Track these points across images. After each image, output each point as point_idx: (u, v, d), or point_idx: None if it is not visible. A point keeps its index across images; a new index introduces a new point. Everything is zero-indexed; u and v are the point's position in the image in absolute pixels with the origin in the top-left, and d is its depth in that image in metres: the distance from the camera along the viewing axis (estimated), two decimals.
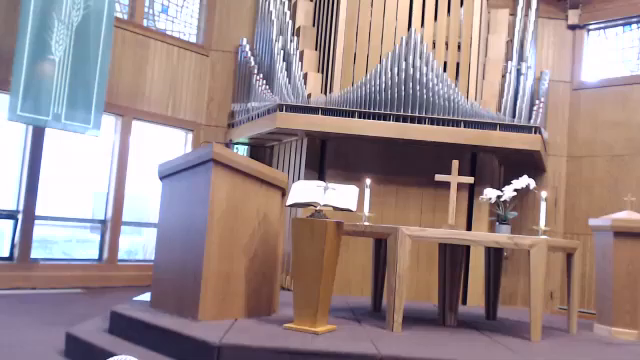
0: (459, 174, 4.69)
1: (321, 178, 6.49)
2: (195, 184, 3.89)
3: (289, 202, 3.89)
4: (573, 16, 7.79)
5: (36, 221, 6.73)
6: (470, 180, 4.91)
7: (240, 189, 3.90)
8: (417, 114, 6.13)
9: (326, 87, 6.94)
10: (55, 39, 6.23)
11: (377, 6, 6.87)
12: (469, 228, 6.27)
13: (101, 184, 7.48)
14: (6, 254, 6.58)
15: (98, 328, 3.95)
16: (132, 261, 7.72)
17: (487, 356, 3.40)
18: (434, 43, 6.74)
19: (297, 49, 7.05)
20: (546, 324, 4.06)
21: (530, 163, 6.64)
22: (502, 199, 4.47)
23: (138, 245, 8.25)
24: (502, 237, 4.10)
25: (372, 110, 6.19)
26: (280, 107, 6.45)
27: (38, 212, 6.73)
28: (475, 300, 6.16)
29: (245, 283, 3.93)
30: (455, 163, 4.69)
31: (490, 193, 4.61)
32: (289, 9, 7.46)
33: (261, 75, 7.37)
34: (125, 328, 3.75)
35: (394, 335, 3.61)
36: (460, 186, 4.79)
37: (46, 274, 6.68)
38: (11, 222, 6.63)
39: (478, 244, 4.17)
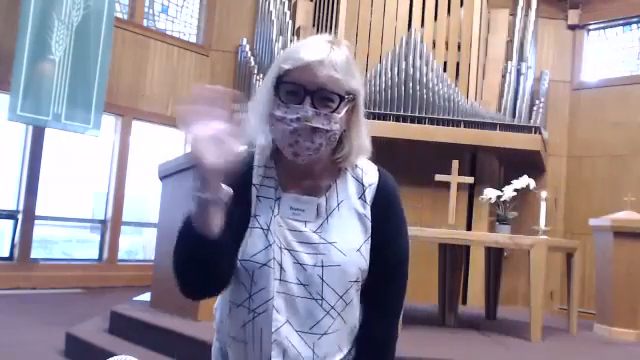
0: (459, 174, 4.69)
1: None
2: None
3: None
4: (573, 16, 7.79)
5: (36, 221, 6.73)
6: (470, 180, 4.91)
7: None
8: (417, 114, 6.13)
9: None
10: (55, 39, 6.23)
11: (377, 6, 6.87)
12: (469, 228, 6.26)
13: (101, 184, 7.48)
14: (6, 254, 6.58)
15: (98, 328, 3.96)
16: (132, 261, 7.72)
17: (487, 356, 3.40)
18: (434, 43, 6.74)
19: None
20: (546, 324, 4.06)
21: (530, 163, 6.63)
22: (502, 199, 4.47)
23: (138, 245, 8.25)
24: (502, 237, 4.10)
25: (372, 110, 6.18)
26: None
27: (38, 212, 6.73)
28: (475, 300, 6.15)
29: None
30: (455, 163, 4.68)
31: (490, 193, 4.60)
32: (289, 9, 7.46)
33: (261, 75, 7.37)
34: (125, 328, 3.75)
35: None
36: (460, 186, 4.79)
37: (46, 274, 6.68)
38: (11, 222, 6.63)
39: (478, 244, 4.17)
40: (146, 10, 7.93)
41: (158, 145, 7.94)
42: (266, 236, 1.09)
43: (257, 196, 1.13)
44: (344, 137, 1.12)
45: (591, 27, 7.85)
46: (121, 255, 7.54)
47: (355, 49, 6.88)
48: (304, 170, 1.12)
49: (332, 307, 1.09)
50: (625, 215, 4.78)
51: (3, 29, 6.31)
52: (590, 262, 5.35)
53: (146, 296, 4.43)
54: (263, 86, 1.12)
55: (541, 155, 6.48)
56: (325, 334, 1.09)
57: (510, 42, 7.16)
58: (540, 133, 6.21)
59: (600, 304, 4.71)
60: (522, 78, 6.69)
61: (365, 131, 1.17)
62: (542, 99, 6.73)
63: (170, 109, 7.96)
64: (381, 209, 1.15)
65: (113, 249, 7.37)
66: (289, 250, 1.09)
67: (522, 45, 7.01)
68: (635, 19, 7.52)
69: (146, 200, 7.95)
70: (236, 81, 8.20)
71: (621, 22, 7.64)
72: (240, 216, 1.11)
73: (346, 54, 1.10)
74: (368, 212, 1.14)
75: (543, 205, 4.55)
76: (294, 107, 1.05)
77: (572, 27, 7.85)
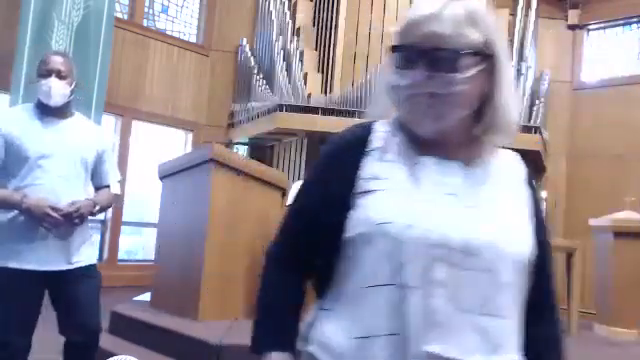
0: None
1: None
2: (195, 184, 3.89)
3: (289, 202, 3.89)
4: (573, 16, 7.79)
5: None
6: None
7: (240, 189, 3.90)
8: None
9: (326, 87, 6.94)
10: (55, 39, 6.23)
11: (377, 6, 6.87)
12: None
13: None
14: None
15: None
16: (132, 261, 7.72)
17: None
18: None
19: (297, 49, 7.05)
20: None
21: (530, 163, 6.60)
22: None
23: (138, 245, 8.25)
24: None
25: None
26: (280, 107, 6.44)
27: None
28: None
29: (245, 283, 3.93)
30: None
31: None
32: (289, 9, 7.46)
33: (261, 75, 7.37)
34: (125, 328, 3.75)
35: None
36: None
37: None
38: None
39: None
40: (146, 10, 7.93)
41: (158, 145, 7.94)
42: (408, 197, 0.92)
43: (381, 160, 0.97)
44: (485, 105, 0.97)
45: (591, 27, 7.85)
46: (121, 255, 7.54)
47: (355, 49, 6.89)
48: (435, 144, 0.97)
49: (508, 284, 0.90)
50: (625, 215, 4.79)
51: (3, 29, 6.30)
52: (590, 262, 5.36)
53: (146, 296, 4.43)
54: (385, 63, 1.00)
55: (541, 155, 6.48)
56: (497, 317, 0.89)
57: (510, 42, 7.16)
58: (540, 133, 6.21)
59: (600, 304, 4.72)
60: (522, 78, 6.69)
61: (511, 100, 0.98)
62: (542, 99, 6.74)
63: (170, 109, 7.95)
64: (532, 191, 1.04)
65: (113, 249, 7.37)
66: (450, 212, 0.91)
67: (522, 45, 7.01)
68: (635, 19, 7.53)
69: (146, 200, 7.95)
70: (236, 81, 8.21)
71: (621, 22, 7.64)
72: (338, 185, 0.97)
73: (469, 4, 0.96)
74: (523, 192, 1.02)
75: (543, 205, 4.55)
76: (406, 72, 0.93)
77: (572, 27, 7.85)
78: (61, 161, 2.37)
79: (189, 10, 8.43)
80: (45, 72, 2.40)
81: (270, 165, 7.01)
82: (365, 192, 0.94)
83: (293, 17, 7.48)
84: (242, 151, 7.95)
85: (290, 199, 3.84)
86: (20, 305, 2.34)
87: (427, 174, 0.94)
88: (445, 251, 0.88)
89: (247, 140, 7.74)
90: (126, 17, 7.72)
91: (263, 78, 7.30)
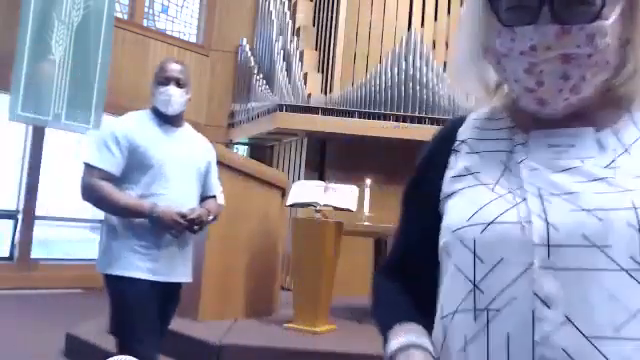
0: None
1: (321, 178, 6.49)
2: None
3: (289, 202, 3.89)
4: None
5: (36, 221, 6.73)
6: None
7: (240, 189, 3.90)
8: (417, 114, 6.13)
9: (326, 87, 6.94)
10: (55, 39, 6.23)
11: (377, 6, 6.87)
12: None
13: None
14: (6, 254, 6.58)
15: (98, 328, 3.95)
16: None
17: None
18: (434, 43, 6.74)
19: (297, 49, 7.05)
20: None
21: None
22: None
23: None
24: None
25: (372, 110, 6.19)
26: (280, 107, 6.44)
27: (38, 212, 6.73)
28: None
29: (245, 283, 3.93)
30: None
31: None
32: (289, 9, 7.46)
33: (261, 75, 7.37)
34: None
35: None
36: None
37: (46, 274, 6.68)
38: (11, 222, 6.63)
39: None
40: (146, 10, 7.94)
41: None
42: (492, 190, 0.69)
43: (472, 152, 0.76)
44: (624, 54, 0.69)
45: None
46: None
47: (355, 49, 6.89)
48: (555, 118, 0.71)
49: None
50: None
51: (3, 29, 6.30)
52: None
53: None
54: (468, 9, 0.75)
55: None
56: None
57: None
58: None
59: None
60: None
61: None
62: None
63: None
64: None
65: None
66: (559, 194, 0.64)
67: None
68: None
69: None
70: (236, 81, 8.21)
71: None
72: (429, 191, 0.79)
73: None
74: None
75: None
76: (524, 30, 0.66)
77: None
78: (181, 169, 2.33)
79: (189, 10, 8.43)
80: (163, 80, 2.34)
81: (270, 165, 7.01)
82: (451, 194, 0.74)
83: (293, 17, 7.48)
84: (242, 151, 7.95)
85: (290, 199, 3.84)
86: (154, 318, 2.30)
87: (536, 155, 0.70)
88: (556, 252, 0.61)
89: (247, 140, 7.74)
90: (126, 17, 7.73)
91: (263, 78, 7.30)
